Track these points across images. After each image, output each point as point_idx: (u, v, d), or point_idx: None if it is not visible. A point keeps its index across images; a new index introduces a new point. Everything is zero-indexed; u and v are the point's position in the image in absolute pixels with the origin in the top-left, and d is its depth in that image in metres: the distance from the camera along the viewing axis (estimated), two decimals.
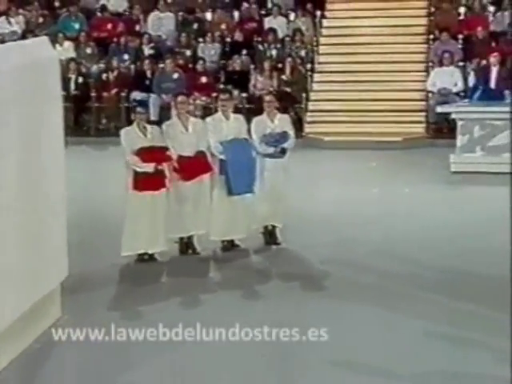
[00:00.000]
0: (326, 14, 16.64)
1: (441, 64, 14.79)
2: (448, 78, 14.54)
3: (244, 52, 15.72)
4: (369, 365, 6.21)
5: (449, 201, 10.65)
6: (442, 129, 14.25)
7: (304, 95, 14.97)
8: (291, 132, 8.98)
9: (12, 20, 16.80)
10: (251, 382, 6.05)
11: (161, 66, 15.35)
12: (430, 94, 14.62)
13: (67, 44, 15.98)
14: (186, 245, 8.71)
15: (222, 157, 8.58)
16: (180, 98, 8.88)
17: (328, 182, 11.52)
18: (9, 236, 6.14)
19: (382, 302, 7.27)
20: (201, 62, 15.45)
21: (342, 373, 6.14)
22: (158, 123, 9.54)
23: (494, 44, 15.11)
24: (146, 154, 8.29)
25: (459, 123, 12.47)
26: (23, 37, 14.98)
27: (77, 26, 16.73)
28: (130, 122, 9.03)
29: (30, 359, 6.35)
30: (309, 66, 15.51)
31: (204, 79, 15.20)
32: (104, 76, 15.53)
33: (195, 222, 8.61)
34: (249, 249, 8.83)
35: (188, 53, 15.99)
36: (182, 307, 7.40)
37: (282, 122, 8.98)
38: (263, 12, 16.83)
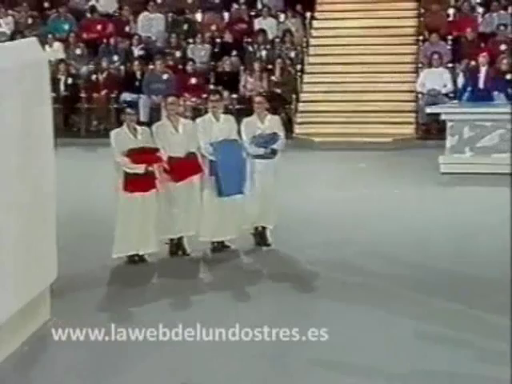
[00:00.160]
0: (316, 15, 16.68)
1: (430, 65, 14.85)
2: (437, 78, 14.59)
3: (234, 53, 15.74)
4: (361, 365, 6.23)
5: (438, 201, 10.68)
6: (432, 130, 14.30)
7: (294, 96, 14.99)
8: (281, 133, 8.99)
9: (1, 21, 16.78)
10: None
11: (151, 67, 15.35)
12: (420, 95, 14.67)
13: (57, 45, 15.96)
14: (176, 246, 8.71)
15: (212, 158, 8.59)
16: (170, 99, 8.87)
17: (318, 183, 11.54)
18: None
19: (372, 303, 7.28)
20: (191, 63, 15.46)
21: (333, 373, 6.16)
22: (148, 124, 9.52)
23: (482, 45, 15.18)
24: (136, 155, 8.28)
25: (449, 124, 12.51)
26: (12, 38, 14.94)
27: (66, 26, 16.72)
28: (119, 123, 9.03)
29: (19, 361, 6.33)
30: (299, 66, 15.54)
31: (194, 80, 15.21)
32: (94, 77, 15.53)
33: (185, 223, 8.62)
34: (239, 250, 8.83)
35: (178, 54, 15.99)
36: (172, 308, 7.40)
37: (272, 123, 8.99)
38: (253, 13, 16.85)
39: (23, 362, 6.36)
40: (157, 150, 8.43)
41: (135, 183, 8.29)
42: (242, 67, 15.48)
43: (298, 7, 16.60)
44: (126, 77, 15.56)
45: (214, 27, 16.52)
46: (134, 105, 13.66)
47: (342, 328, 6.66)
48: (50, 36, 15.90)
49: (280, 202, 8.99)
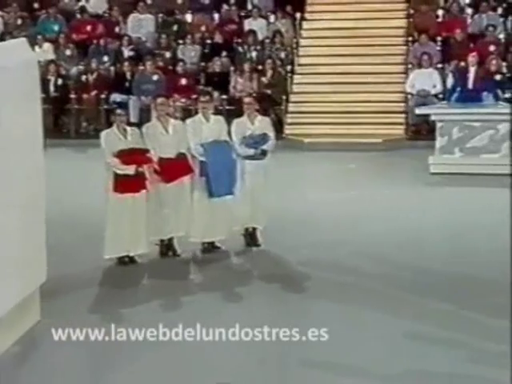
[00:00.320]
0: (306, 15, 16.69)
1: (420, 66, 14.87)
2: (427, 79, 14.62)
3: (224, 54, 15.72)
4: (356, 365, 6.23)
5: (428, 202, 10.71)
6: (422, 130, 14.32)
7: (284, 97, 15.00)
8: (271, 134, 9.00)
9: None
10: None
11: (140, 67, 15.33)
12: (409, 96, 14.70)
13: (46, 46, 15.92)
14: (167, 247, 8.71)
15: (203, 159, 8.59)
16: (160, 100, 8.87)
17: (308, 184, 11.55)
18: None
19: (365, 304, 7.28)
20: (181, 63, 15.44)
21: (329, 374, 6.17)
22: (138, 125, 9.52)
23: (472, 46, 15.22)
24: (126, 156, 8.27)
25: (438, 125, 12.54)
26: (1, 39, 14.88)
27: (56, 27, 16.66)
28: (109, 124, 9.02)
29: (9, 362, 6.32)
30: (289, 67, 15.55)
31: (184, 81, 15.19)
32: (83, 78, 15.48)
33: (175, 224, 8.61)
34: (229, 250, 8.84)
35: (168, 54, 15.97)
36: (163, 309, 7.39)
37: (262, 124, 9.00)
38: (243, 14, 16.84)
39: (12, 363, 6.34)
40: (147, 150, 8.42)
41: (125, 184, 8.28)
42: (232, 68, 15.48)
43: (288, 8, 16.60)
44: (116, 78, 15.53)
45: (203, 28, 16.50)
46: (123, 106, 13.67)
47: (335, 329, 6.64)
48: (39, 37, 15.85)
49: (270, 202, 8.99)
